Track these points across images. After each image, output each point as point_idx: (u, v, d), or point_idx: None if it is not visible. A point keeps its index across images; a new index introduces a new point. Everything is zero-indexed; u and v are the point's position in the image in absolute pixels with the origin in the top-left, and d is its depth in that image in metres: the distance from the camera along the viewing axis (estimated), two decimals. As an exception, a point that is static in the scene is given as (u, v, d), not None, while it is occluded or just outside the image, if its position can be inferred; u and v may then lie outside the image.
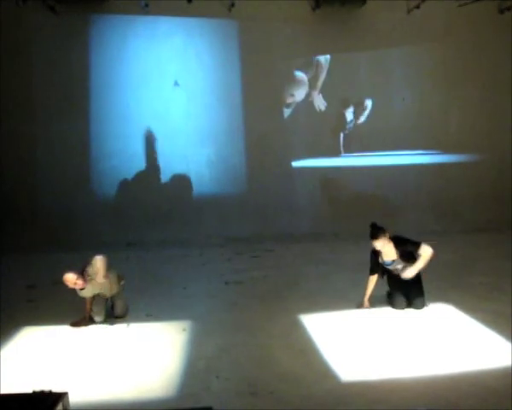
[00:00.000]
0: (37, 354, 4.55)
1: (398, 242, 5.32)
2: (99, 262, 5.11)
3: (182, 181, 10.51)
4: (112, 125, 10.34)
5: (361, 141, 11.01)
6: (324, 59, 10.67)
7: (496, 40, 10.72)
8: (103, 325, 5.23)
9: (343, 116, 10.94)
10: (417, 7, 10.29)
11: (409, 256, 5.30)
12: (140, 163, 10.52)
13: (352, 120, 10.93)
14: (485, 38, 10.72)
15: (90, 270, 5.12)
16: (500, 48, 10.77)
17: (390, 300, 5.56)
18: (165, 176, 10.54)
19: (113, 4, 10.07)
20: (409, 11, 10.48)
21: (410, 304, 5.44)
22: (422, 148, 11.07)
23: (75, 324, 5.19)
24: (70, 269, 5.14)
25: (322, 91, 10.82)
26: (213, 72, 10.57)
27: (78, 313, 5.44)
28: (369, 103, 10.89)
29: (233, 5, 10.05)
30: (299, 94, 10.76)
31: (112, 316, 5.38)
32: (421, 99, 10.96)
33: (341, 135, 10.98)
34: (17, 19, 9.82)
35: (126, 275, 5.63)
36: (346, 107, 10.90)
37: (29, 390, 3.18)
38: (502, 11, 10.75)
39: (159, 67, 10.39)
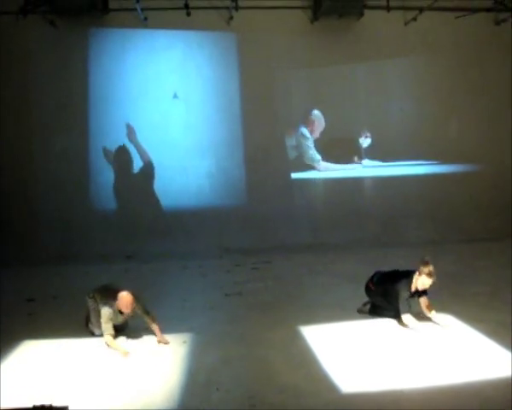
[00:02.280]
0: (38, 368, 4.53)
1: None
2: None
3: (181, 193, 10.52)
4: (111, 138, 10.38)
5: (360, 152, 11.06)
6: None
7: (493, 51, 10.80)
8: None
9: (358, 143, 11.02)
10: (414, 19, 10.40)
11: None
12: (139, 175, 10.53)
13: (367, 147, 11.01)
14: (483, 49, 10.80)
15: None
16: (497, 59, 10.85)
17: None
18: (164, 188, 10.55)
19: (112, 18, 10.14)
20: (406, 23, 10.59)
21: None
22: (421, 158, 11.10)
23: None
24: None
25: (321, 103, 10.89)
26: (213, 84, 10.62)
27: (78, 326, 5.44)
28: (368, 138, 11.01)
29: (231, 18, 10.15)
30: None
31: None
32: (420, 110, 11.01)
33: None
34: (17, 33, 9.87)
35: (126, 287, 5.60)
36: (361, 135, 10.98)
37: (30, 405, 3.18)
38: (498, 23, 10.86)
39: (158, 79, 10.45)
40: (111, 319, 5.01)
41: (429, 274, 5.17)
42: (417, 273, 5.25)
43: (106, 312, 5.00)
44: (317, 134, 10.89)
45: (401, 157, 11.04)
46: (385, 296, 5.50)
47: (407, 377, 4.12)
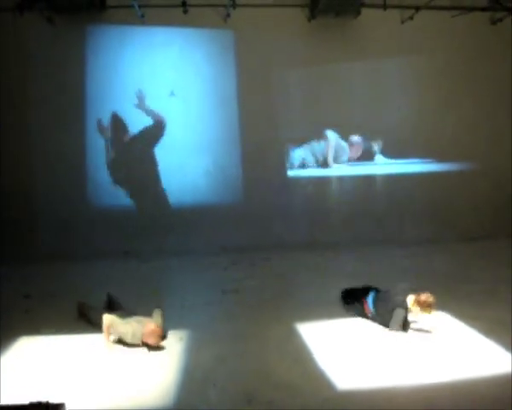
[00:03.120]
0: (34, 365, 4.53)
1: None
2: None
3: (179, 191, 10.52)
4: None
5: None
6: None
7: (490, 50, 10.83)
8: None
9: (372, 148, 11.08)
10: (411, 18, 10.42)
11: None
12: (137, 173, 10.52)
13: (377, 152, 11.08)
14: (479, 47, 10.81)
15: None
16: (493, 58, 10.86)
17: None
18: (162, 185, 10.55)
19: (109, 15, 10.09)
20: (403, 22, 10.60)
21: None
22: (418, 156, 11.13)
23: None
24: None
25: (318, 101, 10.89)
26: (210, 81, 10.61)
27: (75, 323, 5.45)
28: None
29: (229, 15, 10.14)
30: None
31: None
32: (417, 108, 11.01)
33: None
34: (13, 30, 9.82)
35: (124, 285, 5.63)
36: (374, 140, 11.02)
37: (26, 401, 3.18)
38: (494, 22, 10.88)
39: (155, 76, 10.42)
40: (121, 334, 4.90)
41: (424, 309, 5.03)
42: (413, 299, 5.07)
43: (127, 330, 4.86)
44: (352, 157, 11.03)
45: (398, 155, 11.05)
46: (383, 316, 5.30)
47: (403, 374, 4.14)
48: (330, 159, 10.94)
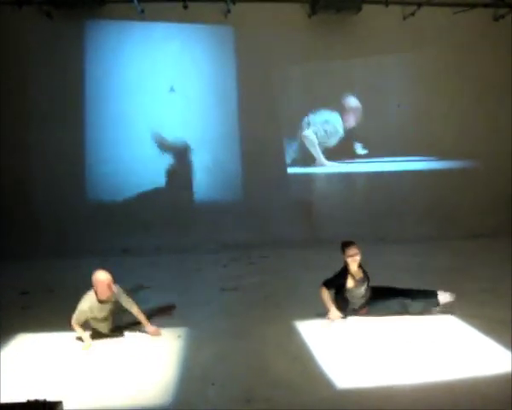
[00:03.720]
0: (32, 362, 4.51)
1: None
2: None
3: (178, 188, 10.51)
4: (107, 131, 10.33)
5: (357, 147, 11.05)
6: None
7: (491, 47, 10.80)
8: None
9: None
10: (412, 14, 10.38)
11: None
12: (135, 169, 10.48)
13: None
14: (481, 44, 10.79)
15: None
16: (495, 54, 10.84)
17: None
18: (161, 182, 10.53)
19: (109, 10, 10.08)
20: (404, 18, 10.56)
21: None
22: (418, 154, 11.11)
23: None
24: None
25: (318, 97, 10.86)
26: (209, 77, 10.59)
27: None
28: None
29: (229, 11, 10.10)
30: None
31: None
32: (417, 105, 11.00)
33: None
34: (12, 24, 9.80)
35: (122, 282, 5.58)
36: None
37: (23, 399, 3.17)
38: (496, 19, 10.84)
39: (154, 72, 10.40)
40: (86, 312, 4.86)
41: (351, 255, 5.44)
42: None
43: (83, 306, 4.85)
44: (351, 123, 10.92)
45: (398, 153, 11.04)
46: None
47: (402, 372, 4.11)
48: (320, 158, 10.89)
